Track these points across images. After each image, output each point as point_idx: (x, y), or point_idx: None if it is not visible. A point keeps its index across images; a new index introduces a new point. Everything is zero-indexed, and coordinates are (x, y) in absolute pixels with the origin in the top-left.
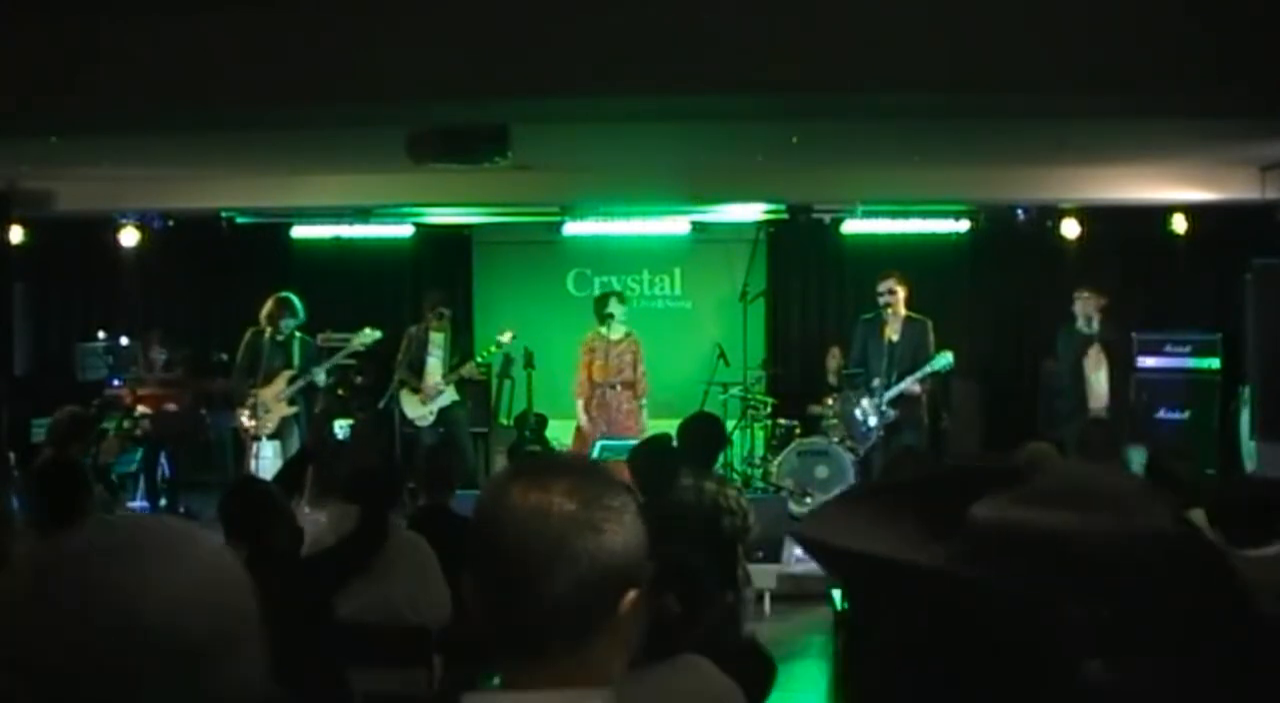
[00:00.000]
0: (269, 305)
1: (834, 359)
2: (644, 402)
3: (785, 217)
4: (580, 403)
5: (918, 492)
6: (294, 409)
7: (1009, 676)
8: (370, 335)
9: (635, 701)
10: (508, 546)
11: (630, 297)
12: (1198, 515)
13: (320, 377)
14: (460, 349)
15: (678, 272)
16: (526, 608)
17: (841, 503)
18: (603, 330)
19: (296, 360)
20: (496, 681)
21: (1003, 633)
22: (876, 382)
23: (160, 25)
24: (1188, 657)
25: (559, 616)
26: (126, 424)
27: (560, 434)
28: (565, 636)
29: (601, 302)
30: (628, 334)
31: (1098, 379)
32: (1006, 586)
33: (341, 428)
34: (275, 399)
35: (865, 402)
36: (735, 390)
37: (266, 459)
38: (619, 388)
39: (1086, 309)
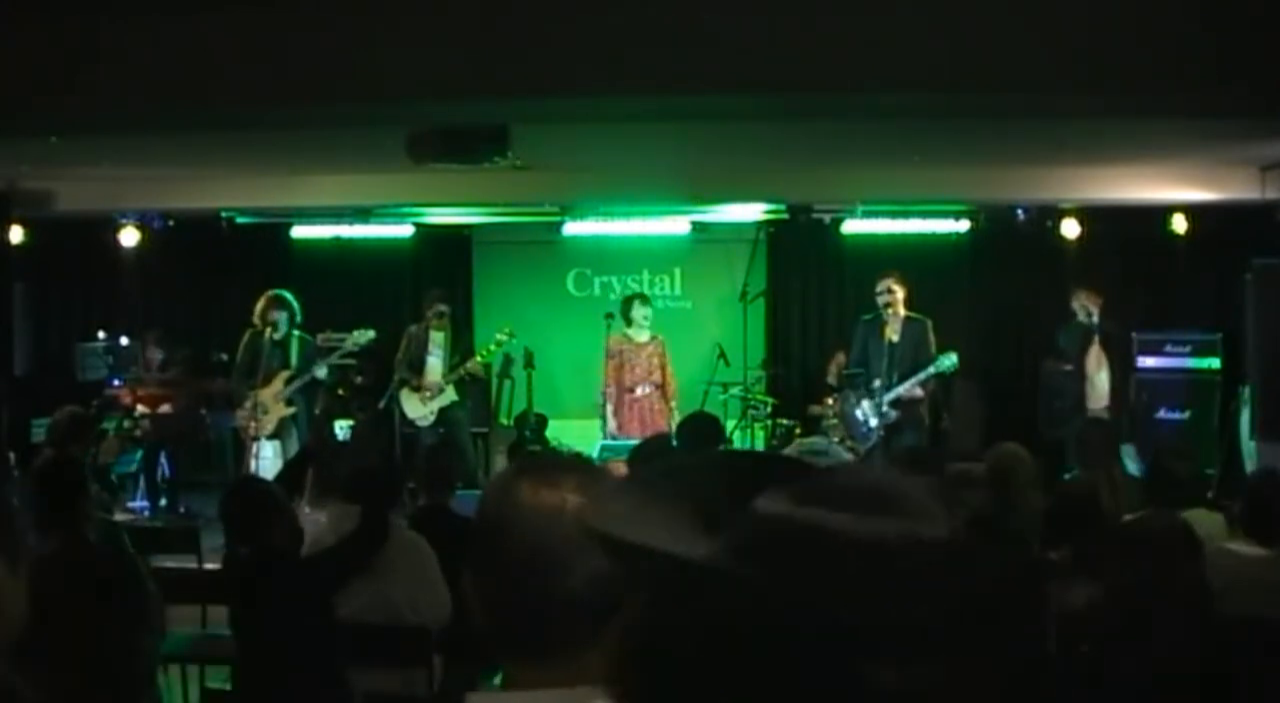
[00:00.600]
0: (261, 303)
1: (836, 364)
2: (674, 404)
3: (785, 217)
4: (610, 407)
5: (697, 479)
6: (292, 409)
7: (792, 678)
8: (364, 335)
9: None
10: (519, 544)
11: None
12: (1200, 515)
13: (321, 372)
14: (461, 349)
15: (678, 272)
16: (539, 606)
17: (623, 489)
18: (629, 332)
19: (295, 360)
20: (497, 680)
21: (781, 634)
22: (877, 382)
23: (160, 25)
24: (974, 662)
25: (573, 612)
26: (126, 424)
27: (560, 434)
28: (575, 633)
29: (627, 304)
30: (654, 337)
31: (1100, 379)
32: (785, 585)
33: (342, 428)
34: (274, 400)
35: (866, 402)
36: (735, 390)
37: (266, 459)
38: (649, 390)
39: (1086, 304)
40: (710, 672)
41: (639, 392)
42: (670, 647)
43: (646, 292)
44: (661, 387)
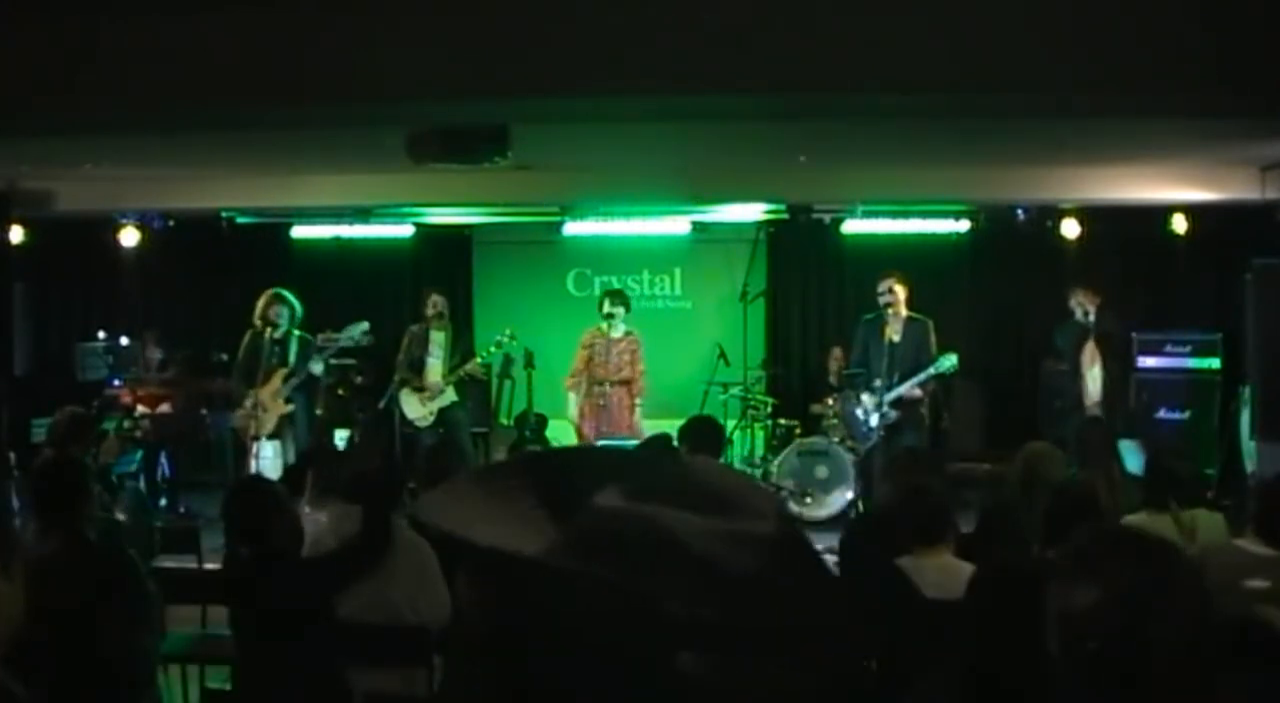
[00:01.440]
0: (262, 300)
1: (835, 361)
2: (639, 401)
3: (785, 217)
4: (571, 396)
5: (544, 470)
6: (290, 407)
7: (606, 666)
8: (357, 327)
9: None
10: None
11: (630, 296)
12: (1200, 515)
13: (318, 368)
14: (461, 349)
15: (678, 272)
16: None
17: (466, 481)
18: (604, 327)
19: (293, 359)
20: None
21: (601, 625)
22: (878, 382)
23: (160, 25)
24: (783, 655)
25: None
26: (126, 424)
27: (560, 434)
28: None
29: (600, 300)
30: (628, 333)
31: (1092, 376)
32: (608, 579)
33: (341, 438)
34: (272, 398)
35: (866, 402)
36: (735, 390)
37: (267, 459)
38: (616, 386)
39: (1083, 302)
40: (540, 661)
41: (604, 388)
42: (504, 639)
43: (646, 292)
44: (629, 384)
